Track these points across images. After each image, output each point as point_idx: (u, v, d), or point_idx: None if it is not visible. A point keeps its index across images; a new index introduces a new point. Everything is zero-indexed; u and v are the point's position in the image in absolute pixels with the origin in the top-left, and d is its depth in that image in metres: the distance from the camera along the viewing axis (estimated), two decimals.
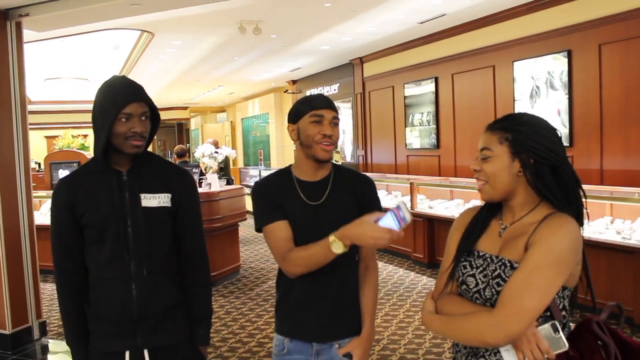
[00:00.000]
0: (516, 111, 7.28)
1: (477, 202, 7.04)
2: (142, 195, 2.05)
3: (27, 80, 5.33)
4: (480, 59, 8.12)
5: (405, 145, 10.03)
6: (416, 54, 9.55)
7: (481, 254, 1.66)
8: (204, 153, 7.88)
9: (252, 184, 13.24)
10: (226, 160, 9.18)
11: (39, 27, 5.64)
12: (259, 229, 2.07)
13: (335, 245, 1.82)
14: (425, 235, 7.57)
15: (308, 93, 14.08)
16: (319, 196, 2.03)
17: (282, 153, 16.88)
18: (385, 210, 1.81)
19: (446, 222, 7.25)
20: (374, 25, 8.27)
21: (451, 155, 8.85)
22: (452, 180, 8.24)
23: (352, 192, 2.05)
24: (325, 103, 2.00)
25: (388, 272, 7.41)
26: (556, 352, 1.48)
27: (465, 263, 1.68)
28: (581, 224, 1.59)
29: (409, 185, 8.02)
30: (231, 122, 22.29)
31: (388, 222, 1.75)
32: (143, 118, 1.99)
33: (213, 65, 11.50)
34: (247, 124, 20.54)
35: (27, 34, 5.33)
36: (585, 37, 6.42)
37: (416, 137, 9.71)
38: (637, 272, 4.84)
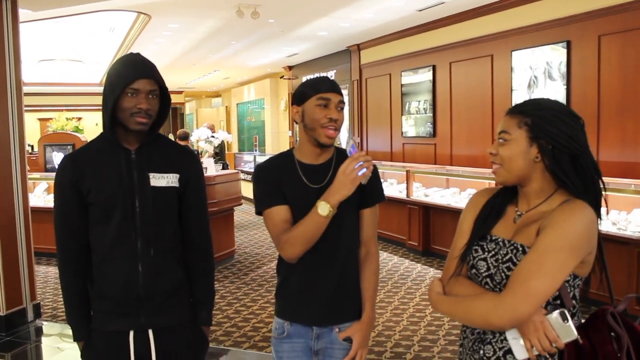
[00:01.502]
0: (513, 101, 7.28)
1: (473, 191, 7.05)
2: (151, 175, 2.03)
3: (22, 62, 5.27)
4: (478, 48, 8.09)
5: (402, 133, 10.01)
6: (414, 41, 9.50)
7: (494, 238, 1.64)
8: (200, 137, 7.84)
9: (247, 169, 13.22)
10: (222, 145, 9.14)
11: (35, 6, 5.59)
12: (258, 212, 2.06)
13: (321, 207, 1.85)
14: (421, 223, 7.58)
15: (304, 79, 13.99)
16: (321, 179, 2.01)
17: (277, 139, 16.84)
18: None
19: (441, 211, 7.27)
20: (372, 12, 8.21)
21: (447, 143, 8.85)
22: (447, 168, 8.25)
23: None
24: (332, 87, 1.99)
25: (383, 259, 7.43)
26: (565, 340, 1.45)
27: (477, 247, 1.66)
28: (599, 214, 1.55)
29: (404, 172, 8.02)
30: (226, 107, 22.21)
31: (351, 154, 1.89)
32: (151, 96, 1.97)
33: (209, 49, 11.42)
34: (242, 109, 20.46)
35: (22, 13, 5.27)
36: (585, 28, 6.41)
37: (412, 125, 9.70)
38: (631, 263, 4.87)
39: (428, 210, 7.58)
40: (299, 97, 2.02)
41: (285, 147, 15.93)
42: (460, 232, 1.75)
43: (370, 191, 2.01)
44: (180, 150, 2.20)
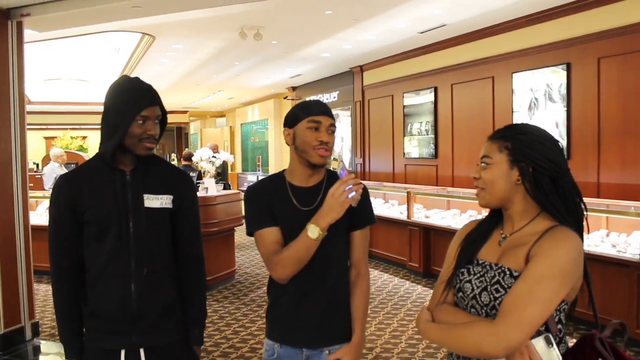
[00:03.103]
0: (514, 122, 7.29)
1: (474, 213, 7.06)
2: (145, 196, 2.07)
3: (27, 81, 5.34)
4: (479, 70, 8.14)
5: (404, 154, 10.03)
6: (416, 63, 9.57)
7: (480, 262, 1.66)
8: (201, 157, 7.88)
9: None
10: (224, 165, 9.17)
11: (40, 27, 5.65)
12: (249, 233, 2.07)
13: (311, 229, 1.86)
14: (421, 245, 7.56)
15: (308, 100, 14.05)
16: (312, 202, 2.03)
17: (281, 159, 16.90)
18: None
19: (442, 232, 7.25)
20: (375, 34, 8.29)
21: (449, 165, 8.86)
22: (449, 190, 8.24)
23: None
24: (323, 110, 2.01)
25: (383, 280, 7.40)
26: None
27: (463, 270, 1.68)
28: (581, 236, 1.58)
29: (406, 194, 8.02)
30: (230, 127, 22.32)
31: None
32: (156, 121, 2.04)
33: (213, 69, 11.52)
34: (246, 130, 20.57)
35: (28, 34, 5.34)
36: (584, 51, 6.45)
37: (414, 146, 9.73)
38: (631, 286, 4.84)
39: (429, 232, 7.57)
40: (290, 119, 2.04)
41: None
42: (447, 258, 1.77)
43: (360, 213, 2.02)
44: (175, 171, 2.24)
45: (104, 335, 2.06)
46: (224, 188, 8.18)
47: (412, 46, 9.21)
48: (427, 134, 9.34)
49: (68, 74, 12.22)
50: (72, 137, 17.96)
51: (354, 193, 1.84)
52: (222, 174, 9.32)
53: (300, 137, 1.99)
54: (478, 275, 1.63)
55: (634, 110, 5.95)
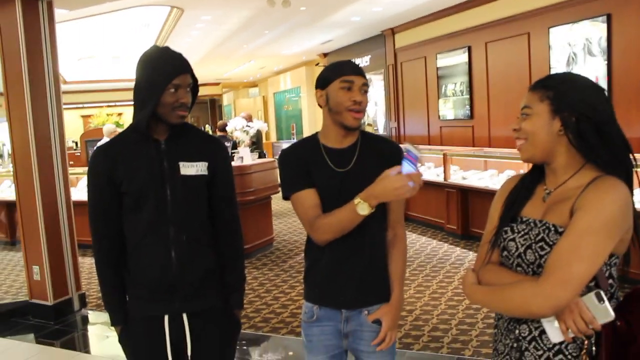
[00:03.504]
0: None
1: (512, 173, 6.93)
2: (181, 164, 2.08)
3: (61, 60, 5.40)
4: (514, 27, 7.91)
5: (439, 116, 9.89)
6: (448, 23, 9.35)
7: (524, 219, 1.61)
8: (235, 127, 7.91)
9: None
10: (258, 134, 9.20)
11: (70, 5, 5.71)
12: (286, 197, 2.07)
13: (361, 206, 1.82)
14: (459, 207, 7.49)
15: None
16: (346, 163, 2.01)
17: (315, 126, 16.86)
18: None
19: (480, 193, 7.16)
20: None
21: (485, 125, 8.71)
22: (485, 150, 8.12)
23: (380, 160, 2.01)
24: (355, 69, 1.97)
25: (421, 243, 7.39)
26: (601, 321, 1.39)
27: (507, 229, 1.63)
28: (631, 190, 1.50)
29: (442, 156, 7.93)
30: (263, 96, 22.33)
31: (406, 169, 1.75)
32: (187, 89, 2.04)
33: (243, 39, 11.48)
34: (279, 99, 20.55)
35: (58, 13, 5.39)
36: (625, 0, 6.19)
37: (449, 108, 9.57)
38: None
39: (466, 193, 7.48)
40: (322, 80, 2.01)
41: None
42: (490, 218, 1.72)
43: None
44: (207, 139, 2.24)
45: (146, 302, 2.10)
46: (259, 157, 8.22)
47: (444, 5, 8.99)
48: (462, 95, 9.18)
49: (100, 52, 12.36)
50: (107, 114, 18.22)
51: (412, 184, 1.76)
52: (256, 143, 9.36)
53: (333, 97, 1.97)
54: (522, 233, 1.58)
55: None
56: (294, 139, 17.69)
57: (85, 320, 5.24)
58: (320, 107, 2.05)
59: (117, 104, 19.50)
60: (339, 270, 2.02)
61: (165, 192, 2.05)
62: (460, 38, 9.14)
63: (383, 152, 2.04)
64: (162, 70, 1.98)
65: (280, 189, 7.88)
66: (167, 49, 2.07)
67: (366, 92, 1.99)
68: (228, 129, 8.40)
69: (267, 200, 7.57)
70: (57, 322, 5.08)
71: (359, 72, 1.98)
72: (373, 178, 1.86)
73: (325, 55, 14.75)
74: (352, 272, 2.01)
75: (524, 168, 7.01)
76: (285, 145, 15.51)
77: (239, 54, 13.86)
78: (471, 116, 9.03)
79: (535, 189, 1.66)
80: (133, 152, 2.07)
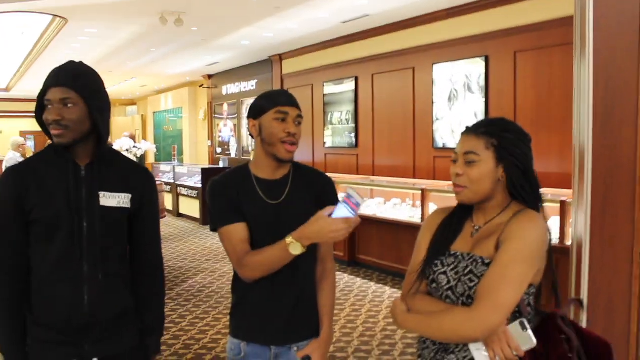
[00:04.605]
0: (434, 113, 7.54)
1: (398, 201, 7.19)
2: (101, 194, 1.90)
3: None
4: (400, 61, 8.29)
5: (324, 143, 10.09)
6: (337, 53, 9.62)
7: (452, 253, 1.69)
8: (122, 147, 7.57)
9: (165, 180, 12.68)
10: (143, 155, 8.87)
11: None
12: (213, 229, 1.99)
13: (293, 246, 1.79)
14: None
15: (224, 88, 13.87)
16: (279, 195, 1.98)
17: (196, 148, 16.57)
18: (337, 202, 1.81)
19: (366, 221, 7.33)
20: (297, 23, 8.25)
21: (369, 154, 8.99)
22: (372, 179, 8.37)
23: (313, 191, 2.01)
24: (290, 100, 1.96)
25: None
26: (525, 348, 1.52)
27: (436, 261, 1.70)
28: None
29: None
30: (142, 115, 21.58)
31: (342, 212, 1.74)
32: (66, 105, 1.83)
33: (128, 56, 11.08)
34: (159, 118, 19.97)
35: None
36: (502, 44, 6.72)
37: (335, 135, 9.80)
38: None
39: None
40: (255, 110, 1.97)
41: (204, 157, 15.67)
42: (418, 249, 1.79)
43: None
44: (135, 168, 2.07)
45: (51, 346, 1.88)
46: None
47: (334, 35, 9.25)
48: (348, 124, 9.43)
49: None
50: None
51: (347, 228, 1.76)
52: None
53: (267, 128, 1.93)
54: (452, 266, 1.66)
55: (546, 103, 6.26)
56: (174, 160, 17.21)
57: None
58: (252, 137, 2.01)
59: None
60: (268, 306, 1.97)
61: (81, 223, 1.87)
62: (347, 68, 9.43)
63: (315, 184, 2.04)
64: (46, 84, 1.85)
65: (165, 213, 7.61)
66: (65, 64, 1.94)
67: (300, 123, 1.98)
68: (114, 148, 8.01)
69: None
70: None
71: (294, 103, 1.97)
72: (305, 210, 1.85)
73: (210, 76, 14.60)
74: (281, 307, 1.97)
75: (410, 197, 7.30)
76: (164, 167, 15.09)
77: (121, 71, 13.32)
78: (356, 145, 9.29)
79: (464, 225, 1.75)
80: (48, 176, 1.88)
